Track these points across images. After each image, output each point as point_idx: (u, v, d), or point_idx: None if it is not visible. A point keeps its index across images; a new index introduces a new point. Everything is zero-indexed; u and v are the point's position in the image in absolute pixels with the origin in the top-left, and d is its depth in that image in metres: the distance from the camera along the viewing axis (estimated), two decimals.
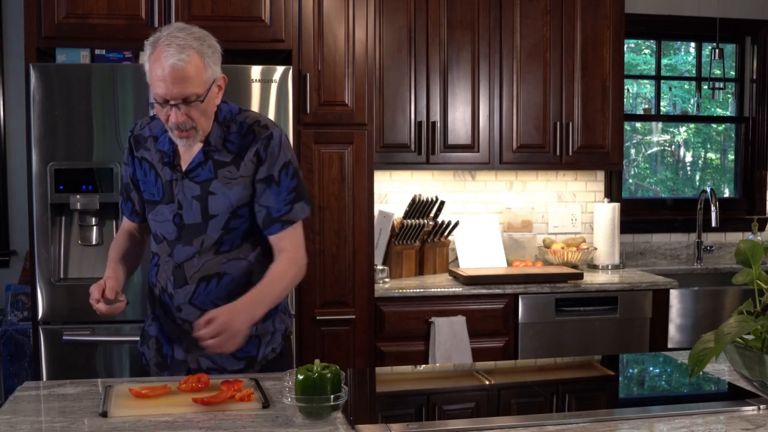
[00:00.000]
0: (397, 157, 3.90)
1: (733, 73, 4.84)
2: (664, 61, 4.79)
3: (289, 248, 2.19)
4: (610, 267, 4.26)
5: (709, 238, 4.65)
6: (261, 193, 2.17)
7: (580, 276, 3.84)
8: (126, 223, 2.38)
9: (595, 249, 4.26)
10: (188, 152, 2.18)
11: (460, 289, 3.68)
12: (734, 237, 4.71)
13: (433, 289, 3.66)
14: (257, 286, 2.13)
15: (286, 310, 2.36)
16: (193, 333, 2.02)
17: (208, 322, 1.99)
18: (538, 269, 3.98)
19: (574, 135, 4.07)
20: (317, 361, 1.77)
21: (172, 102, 2.04)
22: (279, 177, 2.18)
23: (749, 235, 4.60)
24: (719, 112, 4.95)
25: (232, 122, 2.18)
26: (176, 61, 2.01)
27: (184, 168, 2.18)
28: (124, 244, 2.34)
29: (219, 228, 2.17)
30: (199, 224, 2.17)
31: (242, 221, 2.19)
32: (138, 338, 3.14)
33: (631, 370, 2.48)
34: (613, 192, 4.48)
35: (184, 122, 2.07)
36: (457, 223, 4.09)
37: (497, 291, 3.69)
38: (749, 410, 1.82)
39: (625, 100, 4.26)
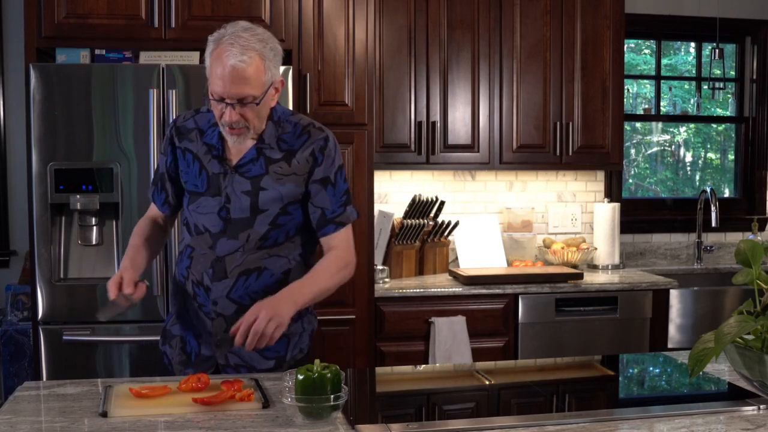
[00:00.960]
0: (397, 157, 3.90)
1: (733, 73, 4.84)
2: (664, 61, 4.79)
3: (339, 247, 2.23)
4: (610, 267, 4.26)
5: (709, 238, 4.65)
6: (316, 193, 2.20)
7: (580, 276, 3.84)
8: (153, 212, 2.37)
9: (595, 249, 4.26)
10: (238, 147, 2.19)
11: (460, 289, 3.68)
12: (734, 237, 4.71)
13: (433, 289, 3.66)
14: (302, 278, 2.16)
15: (313, 311, 2.38)
16: (235, 332, 2.01)
17: (249, 321, 2.00)
18: (538, 269, 3.98)
19: (574, 135, 4.07)
20: (317, 361, 1.77)
21: (228, 101, 2.06)
22: (335, 179, 2.22)
23: (749, 235, 4.60)
24: (719, 112, 4.95)
25: (287, 122, 2.21)
26: (237, 62, 2.02)
27: (234, 162, 2.19)
28: (147, 229, 2.33)
29: (267, 223, 2.18)
30: (247, 218, 2.18)
31: (290, 218, 2.21)
32: (138, 338, 3.19)
33: (631, 370, 2.48)
34: (613, 192, 4.48)
35: (237, 121, 2.09)
36: (457, 223, 4.09)
37: (497, 291, 3.69)
38: (749, 410, 1.82)
39: (625, 100, 4.26)
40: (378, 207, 4.00)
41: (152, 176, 2.40)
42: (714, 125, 4.96)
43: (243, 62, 2.03)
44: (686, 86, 4.90)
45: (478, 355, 3.62)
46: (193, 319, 2.26)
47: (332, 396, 1.72)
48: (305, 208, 2.23)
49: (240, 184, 2.18)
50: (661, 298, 3.88)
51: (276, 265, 2.21)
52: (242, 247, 2.18)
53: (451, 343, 3.57)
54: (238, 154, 2.19)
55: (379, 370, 2.69)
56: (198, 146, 2.23)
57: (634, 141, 4.83)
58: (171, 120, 2.33)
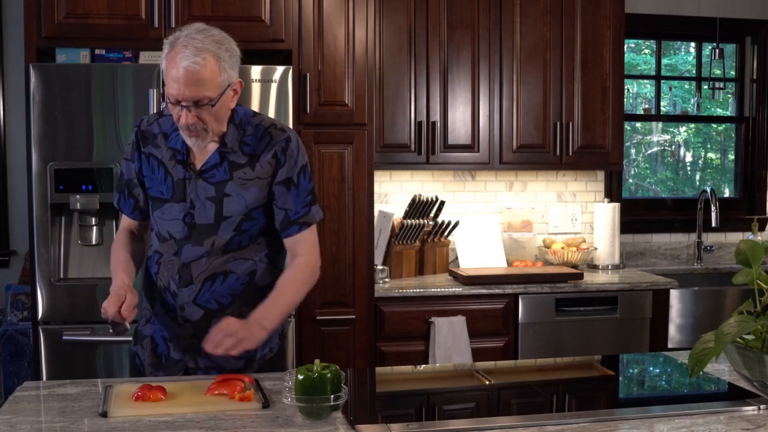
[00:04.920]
0: (397, 157, 3.90)
1: (733, 73, 4.84)
2: (664, 61, 4.79)
3: (304, 252, 2.22)
4: (610, 267, 4.26)
5: (709, 238, 4.65)
6: (280, 195, 2.18)
7: (580, 276, 3.84)
8: (126, 222, 2.35)
9: (595, 249, 4.26)
10: (202, 152, 2.17)
11: (460, 289, 3.68)
12: (734, 237, 4.71)
13: (433, 289, 3.66)
14: (266, 300, 2.14)
15: None
16: (205, 346, 2.01)
17: (220, 336, 1.99)
18: (538, 269, 3.98)
19: (574, 135, 4.07)
20: (317, 361, 1.77)
21: (183, 103, 2.04)
22: (298, 180, 2.19)
23: (749, 235, 4.60)
24: (719, 112, 4.95)
25: (248, 125, 2.19)
26: (190, 63, 2.00)
27: (198, 167, 2.17)
28: (129, 245, 2.31)
29: (231, 229, 2.17)
30: (211, 225, 2.17)
31: (254, 223, 2.19)
32: None
33: (631, 370, 2.48)
34: (613, 192, 4.48)
35: (194, 124, 2.07)
36: (457, 223, 4.09)
37: (497, 291, 3.69)
38: (749, 410, 1.82)
39: (625, 100, 4.26)
40: (378, 207, 4.01)
41: (117, 182, 2.35)
42: (714, 125, 4.96)
43: (197, 64, 2.00)
44: (686, 86, 4.90)
45: (478, 355, 3.62)
46: (163, 323, 2.26)
47: (332, 396, 1.72)
48: (269, 211, 2.21)
49: (204, 189, 2.16)
50: (661, 298, 3.88)
51: (241, 268, 2.19)
52: (207, 252, 2.17)
53: (451, 343, 3.57)
54: (202, 159, 2.17)
55: (379, 370, 2.69)
56: (163, 151, 2.21)
57: (634, 141, 4.83)
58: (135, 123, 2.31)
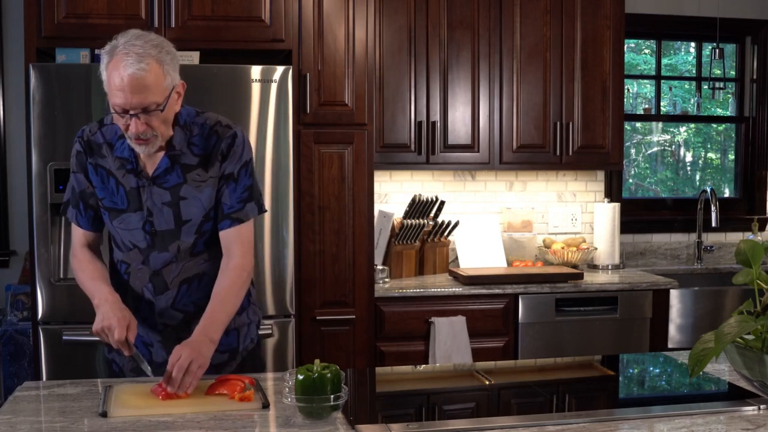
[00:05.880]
0: (397, 157, 3.90)
1: (733, 73, 4.84)
2: (664, 61, 4.79)
3: (237, 253, 2.16)
4: (610, 267, 4.26)
5: (709, 238, 4.65)
6: (222, 190, 2.17)
7: (580, 276, 3.84)
8: (83, 238, 2.26)
9: (595, 249, 4.26)
10: (151, 158, 2.14)
11: (460, 289, 3.68)
12: (734, 237, 4.71)
13: (433, 289, 3.66)
14: (207, 310, 2.09)
15: (255, 302, 2.38)
16: (164, 381, 1.92)
17: (180, 375, 1.91)
18: (538, 269, 3.98)
19: (574, 135, 4.07)
20: (317, 361, 1.77)
21: (132, 112, 2.00)
22: (238, 175, 2.17)
23: (749, 235, 4.60)
24: (719, 112, 4.95)
25: (193, 125, 2.16)
26: (135, 70, 1.96)
27: (150, 174, 2.15)
28: (93, 260, 2.24)
29: (193, 233, 2.17)
30: (173, 230, 2.16)
31: (213, 223, 2.19)
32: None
33: (631, 370, 2.48)
34: (613, 192, 4.48)
35: (144, 131, 2.03)
36: (457, 223, 4.09)
37: (497, 291, 3.69)
38: (749, 410, 1.82)
39: (625, 100, 4.26)
40: (378, 207, 4.00)
41: (67, 197, 2.28)
42: (714, 125, 4.96)
43: (142, 70, 1.97)
44: (686, 86, 4.90)
45: (478, 355, 3.62)
46: (141, 331, 2.23)
47: (332, 396, 1.72)
48: None
49: (160, 195, 2.14)
50: (661, 298, 3.88)
51: (214, 267, 2.18)
52: (175, 257, 2.17)
53: (451, 343, 3.57)
54: (152, 165, 2.14)
55: (379, 370, 2.69)
56: (110, 162, 2.17)
57: (634, 141, 4.83)
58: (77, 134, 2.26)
